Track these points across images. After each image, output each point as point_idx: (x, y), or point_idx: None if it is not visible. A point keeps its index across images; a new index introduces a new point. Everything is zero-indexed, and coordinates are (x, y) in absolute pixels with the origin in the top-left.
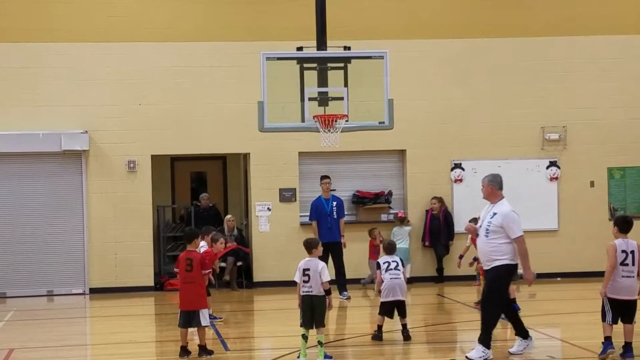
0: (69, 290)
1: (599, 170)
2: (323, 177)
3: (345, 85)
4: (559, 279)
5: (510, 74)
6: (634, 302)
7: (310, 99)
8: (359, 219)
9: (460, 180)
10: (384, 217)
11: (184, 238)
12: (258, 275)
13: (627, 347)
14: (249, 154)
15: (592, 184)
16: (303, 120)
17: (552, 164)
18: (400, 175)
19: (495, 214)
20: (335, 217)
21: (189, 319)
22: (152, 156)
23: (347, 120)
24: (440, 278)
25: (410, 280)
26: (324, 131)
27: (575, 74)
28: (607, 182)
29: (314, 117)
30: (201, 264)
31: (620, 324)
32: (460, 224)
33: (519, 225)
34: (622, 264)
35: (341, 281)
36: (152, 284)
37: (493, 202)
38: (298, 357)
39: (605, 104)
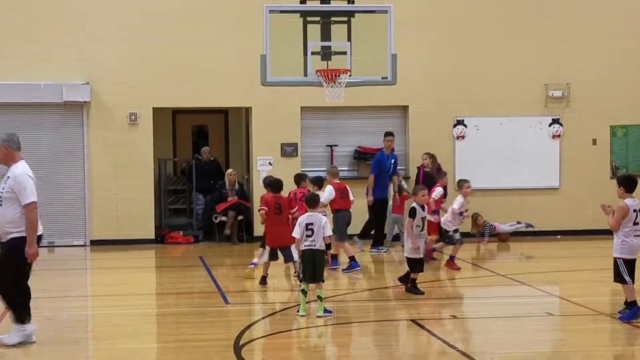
0: (70, 242)
1: (602, 128)
2: (387, 134)
3: (349, 39)
4: (559, 236)
5: (515, 31)
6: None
7: (313, 53)
8: (360, 174)
9: (463, 137)
10: None
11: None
12: (259, 230)
13: (633, 304)
14: (251, 108)
15: (594, 142)
16: (306, 74)
17: (555, 121)
18: (402, 132)
19: (8, 177)
20: (393, 173)
21: (275, 254)
22: (154, 109)
23: (350, 75)
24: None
25: None
26: (327, 86)
27: (579, 31)
28: (609, 140)
29: (316, 71)
30: (289, 206)
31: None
32: None
33: (33, 191)
34: (635, 223)
35: (380, 237)
36: (152, 236)
37: (9, 165)
38: (298, 311)
39: (609, 62)
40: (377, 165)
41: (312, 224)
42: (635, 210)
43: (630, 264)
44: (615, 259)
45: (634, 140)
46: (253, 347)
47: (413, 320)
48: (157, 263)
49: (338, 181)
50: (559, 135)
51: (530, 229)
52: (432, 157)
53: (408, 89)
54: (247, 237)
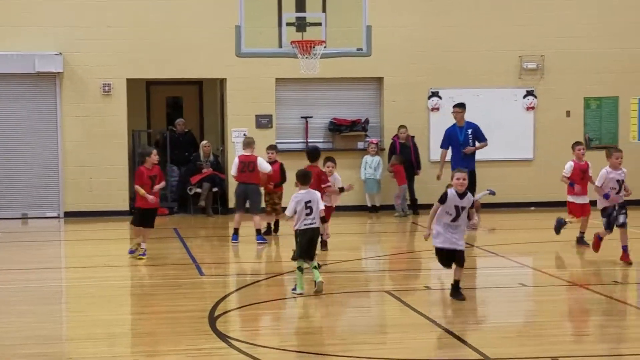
0: (43, 214)
1: (576, 100)
2: (454, 106)
3: (324, 10)
4: (532, 208)
5: (490, 3)
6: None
7: (288, 24)
8: (335, 146)
9: (437, 109)
10: (360, 144)
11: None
12: (234, 202)
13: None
14: (226, 79)
15: (568, 113)
16: (280, 45)
17: (529, 93)
18: (377, 103)
19: None
20: (471, 144)
21: None
22: (128, 80)
23: (325, 47)
24: (414, 207)
25: (379, 209)
26: (302, 57)
27: (554, 3)
28: (583, 112)
29: (291, 42)
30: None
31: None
32: (437, 152)
33: None
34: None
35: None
36: (127, 208)
37: None
38: (294, 289)
39: (583, 34)
40: (446, 139)
41: (310, 201)
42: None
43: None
44: None
45: (607, 112)
46: (228, 319)
47: (387, 292)
48: (131, 235)
49: (249, 153)
50: (533, 107)
51: (491, 195)
52: (406, 128)
53: (383, 60)
54: (222, 209)
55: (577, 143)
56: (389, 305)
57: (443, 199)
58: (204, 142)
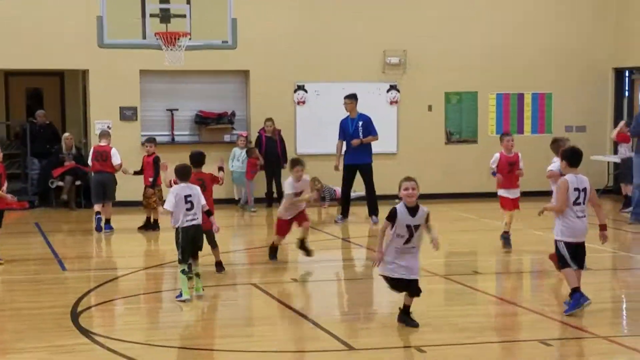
0: None
1: (437, 94)
2: (344, 97)
3: (188, 2)
4: (396, 200)
5: None
6: (584, 244)
7: (151, 15)
8: (201, 139)
9: (303, 102)
10: (226, 137)
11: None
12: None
13: (576, 291)
14: (88, 70)
15: (429, 108)
16: (144, 37)
17: (393, 87)
18: (243, 96)
19: None
20: (362, 137)
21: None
22: None
23: (189, 39)
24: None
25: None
26: (167, 49)
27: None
28: (444, 106)
29: (155, 34)
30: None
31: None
32: (303, 145)
33: None
34: (575, 203)
35: (372, 205)
36: None
37: None
38: (179, 296)
39: (444, 30)
40: (340, 130)
41: (190, 195)
42: (576, 189)
43: (572, 247)
44: (555, 242)
45: (468, 106)
46: (91, 314)
47: (254, 285)
48: None
49: (104, 144)
50: (396, 102)
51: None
52: (273, 122)
53: (249, 53)
54: (85, 202)
55: (506, 134)
56: (256, 298)
57: (392, 216)
58: (66, 134)
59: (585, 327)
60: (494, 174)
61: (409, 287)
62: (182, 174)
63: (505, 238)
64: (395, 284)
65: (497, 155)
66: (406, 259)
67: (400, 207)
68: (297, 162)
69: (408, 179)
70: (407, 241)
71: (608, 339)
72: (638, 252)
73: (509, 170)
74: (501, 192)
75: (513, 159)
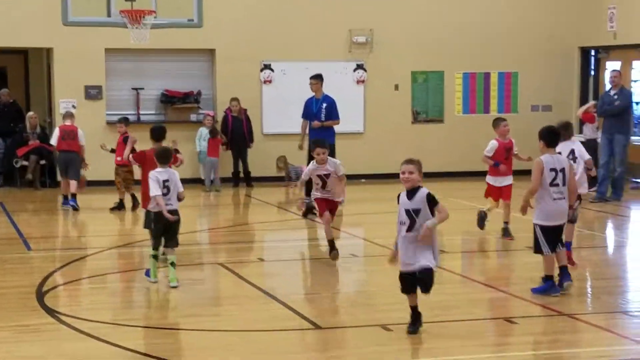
0: None
1: (403, 74)
2: (310, 77)
3: None
4: (363, 180)
5: None
6: (561, 227)
7: None
8: (167, 118)
9: (270, 81)
10: (193, 117)
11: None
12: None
13: (563, 270)
14: (52, 48)
15: (396, 87)
16: (109, 15)
17: (359, 67)
18: (209, 75)
19: None
20: (323, 119)
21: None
22: None
23: (155, 17)
24: (248, 180)
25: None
26: (132, 27)
27: None
28: (410, 86)
29: (120, 12)
30: None
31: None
32: (269, 125)
33: None
34: (552, 184)
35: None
36: None
37: None
38: (147, 274)
39: (411, 9)
40: (304, 109)
41: (168, 180)
42: (552, 169)
43: (547, 231)
44: (534, 225)
45: (434, 86)
46: (57, 294)
47: (221, 264)
48: None
49: (69, 123)
50: (363, 81)
51: None
52: (238, 101)
53: (214, 32)
54: (50, 181)
55: (501, 119)
56: (222, 278)
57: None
58: (30, 113)
59: (550, 305)
60: (496, 164)
61: (415, 281)
62: (162, 157)
63: (504, 229)
64: (403, 280)
65: (494, 142)
66: (412, 250)
67: (403, 192)
68: (317, 144)
69: (406, 161)
70: (410, 228)
71: (572, 316)
72: (601, 230)
73: (505, 157)
74: (490, 180)
75: (509, 145)
